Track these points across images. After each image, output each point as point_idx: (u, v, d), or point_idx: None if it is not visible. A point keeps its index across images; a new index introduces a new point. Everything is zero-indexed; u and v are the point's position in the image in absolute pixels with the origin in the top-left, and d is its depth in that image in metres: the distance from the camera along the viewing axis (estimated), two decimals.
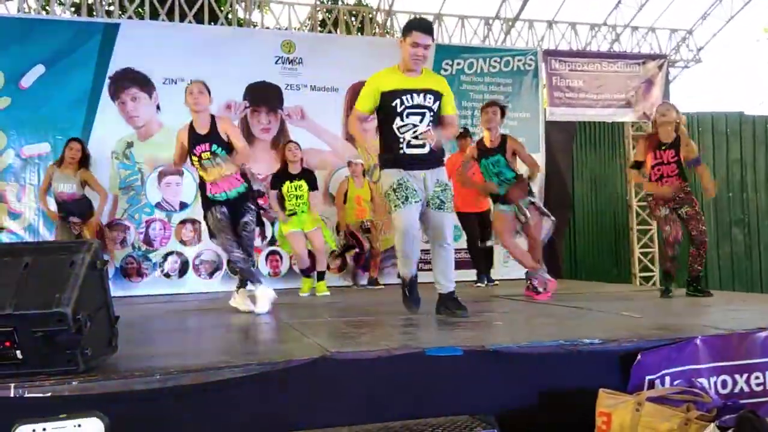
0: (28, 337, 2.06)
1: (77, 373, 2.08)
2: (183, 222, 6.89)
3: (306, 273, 6.06)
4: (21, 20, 6.83)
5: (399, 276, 3.94)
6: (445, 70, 7.84)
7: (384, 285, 6.70)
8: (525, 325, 3.60)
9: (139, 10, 7.37)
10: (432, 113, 3.66)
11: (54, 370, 2.08)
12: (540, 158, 8.08)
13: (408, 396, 2.38)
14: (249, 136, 7.03)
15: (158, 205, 6.85)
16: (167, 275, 6.84)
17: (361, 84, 7.28)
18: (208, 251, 6.90)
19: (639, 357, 2.54)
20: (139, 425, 2.08)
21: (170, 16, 7.35)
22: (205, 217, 4.39)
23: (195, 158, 4.26)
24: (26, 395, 2.01)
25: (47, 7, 8.01)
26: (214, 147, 4.21)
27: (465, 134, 6.51)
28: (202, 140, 4.22)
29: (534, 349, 2.55)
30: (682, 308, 4.24)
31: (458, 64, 7.93)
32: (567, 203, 8.44)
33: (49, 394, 2.02)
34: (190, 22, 7.42)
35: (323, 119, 7.32)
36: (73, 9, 8.14)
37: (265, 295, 4.24)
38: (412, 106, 3.61)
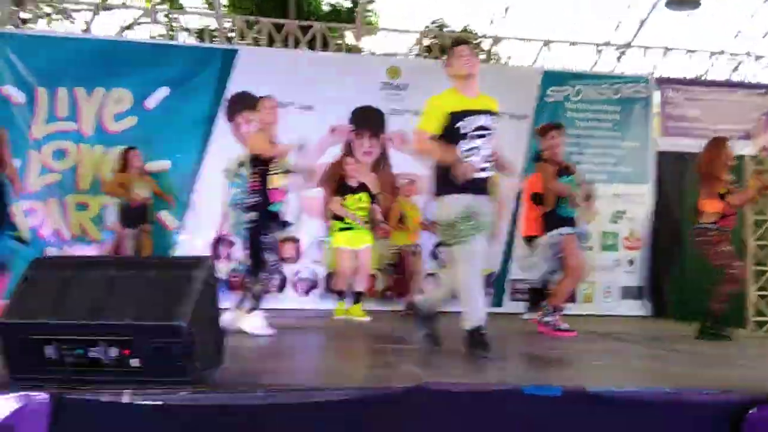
0: (144, 346, 2.20)
1: (187, 384, 2.19)
2: (284, 240, 7.11)
3: (341, 295, 6.00)
4: (150, 45, 7.38)
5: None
6: (550, 96, 7.71)
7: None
8: (627, 366, 3.45)
9: (257, 36, 7.78)
10: (491, 136, 3.57)
11: (166, 380, 2.19)
12: (648, 190, 7.78)
13: None
14: None
15: None
16: (267, 291, 7.07)
17: None
18: (306, 269, 7.09)
19: (752, 411, 2.37)
20: None
21: (285, 43, 7.71)
22: (265, 231, 4.42)
23: (273, 165, 4.41)
24: (139, 402, 2.09)
25: (172, 33, 8.62)
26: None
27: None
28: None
29: (638, 395, 2.43)
30: None
31: (565, 90, 7.76)
32: (677, 239, 8.00)
33: (160, 403, 2.12)
34: (302, 49, 7.73)
35: None
36: (196, 35, 8.71)
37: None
38: (477, 128, 3.50)
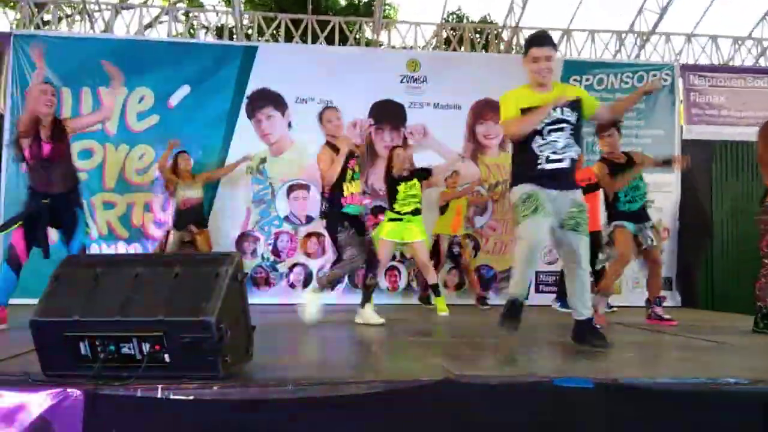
0: (175, 342, 2.21)
1: (218, 378, 2.21)
2: (309, 235, 7.15)
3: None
4: (170, 44, 7.43)
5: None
6: (572, 85, 7.62)
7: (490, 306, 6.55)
8: (658, 358, 3.40)
9: (275, 32, 7.80)
10: (571, 126, 3.47)
11: (197, 375, 2.21)
12: (675, 179, 7.66)
13: (532, 427, 2.32)
14: (372, 153, 7.21)
15: (286, 218, 7.16)
16: (292, 285, 7.11)
17: (483, 101, 7.39)
18: (331, 264, 7.10)
19: None
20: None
21: (303, 38, 7.71)
22: (337, 231, 4.68)
23: (350, 171, 4.74)
24: (171, 397, 2.14)
25: (192, 31, 8.66)
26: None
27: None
28: (350, 156, 4.76)
29: (673, 386, 2.39)
30: None
31: (587, 79, 7.67)
32: (705, 228, 7.88)
33: (191, 398, 2.14)
34: (321, 44, 7.73)
35: (445, 137, 7.35)
36: (215, 32, 8.75)
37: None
38: (552, 122, 3.43)
